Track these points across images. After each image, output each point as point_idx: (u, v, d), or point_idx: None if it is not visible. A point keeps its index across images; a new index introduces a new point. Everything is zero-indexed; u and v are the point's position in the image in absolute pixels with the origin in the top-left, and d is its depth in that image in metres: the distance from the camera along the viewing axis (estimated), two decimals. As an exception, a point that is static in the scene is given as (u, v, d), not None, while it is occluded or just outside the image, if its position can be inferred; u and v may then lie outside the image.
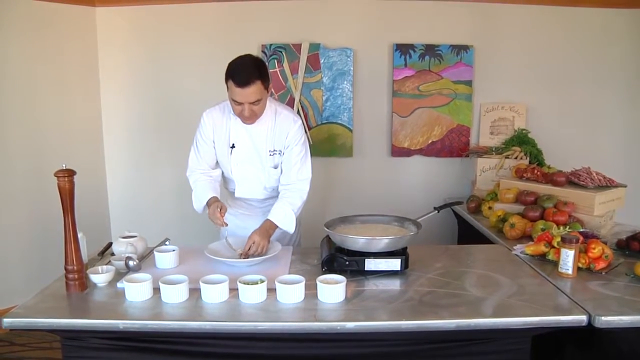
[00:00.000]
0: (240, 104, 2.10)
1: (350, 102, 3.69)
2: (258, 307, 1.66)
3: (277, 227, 2.22)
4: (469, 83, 3.69)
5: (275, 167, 2.35)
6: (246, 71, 2.06)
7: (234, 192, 2.47)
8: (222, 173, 2.46)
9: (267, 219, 2.22)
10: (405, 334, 1.63)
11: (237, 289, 1.69)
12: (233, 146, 2.31)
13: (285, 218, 2.23)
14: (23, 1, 3.27)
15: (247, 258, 2.03)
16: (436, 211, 2.18)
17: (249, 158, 2.33)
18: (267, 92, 2.17)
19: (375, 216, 2.20)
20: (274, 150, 2.31)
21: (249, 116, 2.15)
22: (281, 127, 2.29)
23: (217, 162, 2.42)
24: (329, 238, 2.08)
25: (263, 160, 2.33)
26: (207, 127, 2.33)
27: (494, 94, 3.75)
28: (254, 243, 2.07)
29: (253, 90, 2.06)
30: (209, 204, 2.25)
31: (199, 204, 2.32)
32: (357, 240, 1.90)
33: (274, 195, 2.44)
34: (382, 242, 1.90)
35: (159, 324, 1.58)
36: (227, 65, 2.12)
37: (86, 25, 3.63)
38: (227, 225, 2.16)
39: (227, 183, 2.50)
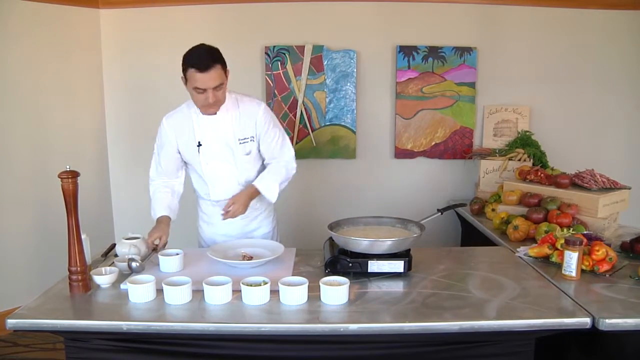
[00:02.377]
0: (203, 91, 2.07)
1: (353, 104, 3.69)
2: (261, 309, 1.66)
3: (260, 194, 2.27)
4: (472, 85, 3.69)
5: (248, 154, 2.29)
6: (205, 56, 2.06)
7: (209, 198, 2.39)
8: (192, 179, 2.42)
9: (252, 184, 2.26)
10: (408, 336, 1.63)
11: (240, 291, 1.69)
12: (199, 144, 2.26)
13: (269, 187, 2.28)
14: (26, 3, 3.29)
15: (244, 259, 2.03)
16: (439, 213, 2.18)
17: (218, 153, 2.27)
18: (227, 78, 2.15)
19: (378, 218, 2.20)
20: (244, 138, 2.27)
21: (214, 103, 2.12)
22: (247, 114, 2.25)
23: (177, 169, 2.38)
24: (332, 240, 2.08)
25: (234, 151, 2.27)
26: (168, 131, 2.28)
27: (497, 95, 3.75)
28: (232, 204, 2.18)
29: (214, 75, 2.05)
30: (158, 221, 2.26)
31: (153, 214, 2.33)
32: (360, 242, 1.90)
33: (252, 203, 2.35)
34: (385, 244, 1.90)
35: (162, 325, 1.58)
36: (183, 58, 2.12)
37: (90, 27, 3.64)
38: (155, 249, 2.11)
39: (201, 189, 2.43)
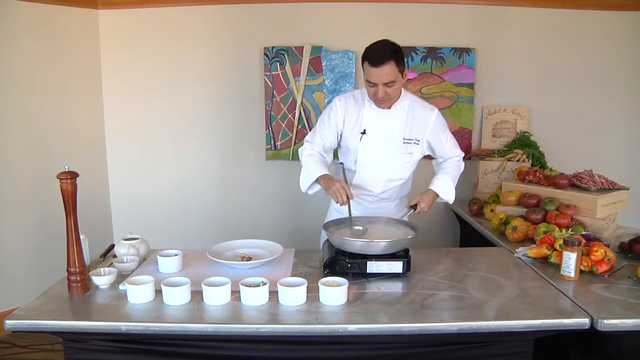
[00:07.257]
0: (374, 84, 2.15)
1: (352, 105, 3.68)
2: (260, 310, 1.66)
3: (439, 196, 2.35)
4: (471, 86, 3.69)
5: (409, 154, 2.37)
6: (380, 51, 2.11)
7: (350, 184, 2.38)
8: (342, 166, 2.43)
9: (429, 189, 2.34)
10: (407, 336, 1.63)
11: (239, 292, 1.69)
12: (364, 132, 2.31)
13: (448, 189, 2.37)
14: (25, 3, 3.29)
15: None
16: (413, 210, 2.26)
17: (379, 145, 2.33)
18: (403, 77, 2.20)
19: (376, 219, 2.21)
20: (409, 139, 2.35)
21: (382, 98, 2.19)
22: (420, 118, 2.34)
23: (329, 150, 2.42)
24: (331, 240, 2.08)
25: (396, 147, 2.34)
26: (338, 111, 2.34)
27: (496, 96, 3.75)
28: (420, 203, 2.26)
29: (386, 71, 2.11)
30: (323, 178, 2.25)
31: (308, 178, 2.31)
32: (354, 242, 1.90)
33: (388, 196, 2.46)
34: (380, 245, 1.90)
35: (161, 326, 1.58)
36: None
37: (89, 27, 3.64)
38: (351, 197, 2.17)
39: (347, 175, 2.43)
